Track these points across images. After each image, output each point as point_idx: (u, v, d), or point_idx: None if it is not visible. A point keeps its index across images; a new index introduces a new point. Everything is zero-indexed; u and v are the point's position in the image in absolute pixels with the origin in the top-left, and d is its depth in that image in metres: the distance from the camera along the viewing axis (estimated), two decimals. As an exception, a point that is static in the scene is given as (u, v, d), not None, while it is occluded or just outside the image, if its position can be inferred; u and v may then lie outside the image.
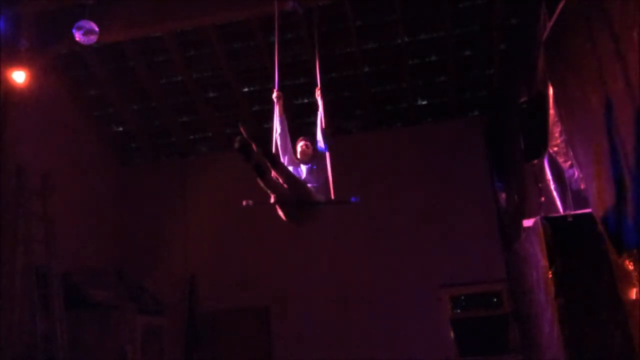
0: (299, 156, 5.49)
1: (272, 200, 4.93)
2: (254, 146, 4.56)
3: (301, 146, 5.49)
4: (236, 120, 10.80)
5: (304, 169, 5.41)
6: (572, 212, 5.42)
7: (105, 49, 9.19)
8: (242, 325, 10.19)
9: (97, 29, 7.30)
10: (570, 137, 5.46)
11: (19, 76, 7.72)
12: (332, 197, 5.26)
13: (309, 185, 5.15)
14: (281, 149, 5.41)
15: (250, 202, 5.20)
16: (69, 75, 10.02)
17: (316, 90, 5.75)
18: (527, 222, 6.07)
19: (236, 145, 4.54)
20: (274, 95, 5.63)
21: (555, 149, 6.08)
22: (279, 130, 5.45)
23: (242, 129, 4.56)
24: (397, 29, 9.26)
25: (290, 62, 9.54)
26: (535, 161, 6.76)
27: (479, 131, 9.97)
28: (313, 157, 5.46)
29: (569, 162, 5.73)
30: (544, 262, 5.37)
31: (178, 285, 10.32)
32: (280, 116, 5.50)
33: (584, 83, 4.82)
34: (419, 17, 9.16)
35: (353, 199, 5.02)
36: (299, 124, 8.89)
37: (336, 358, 9.27)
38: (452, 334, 9.40)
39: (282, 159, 5.30)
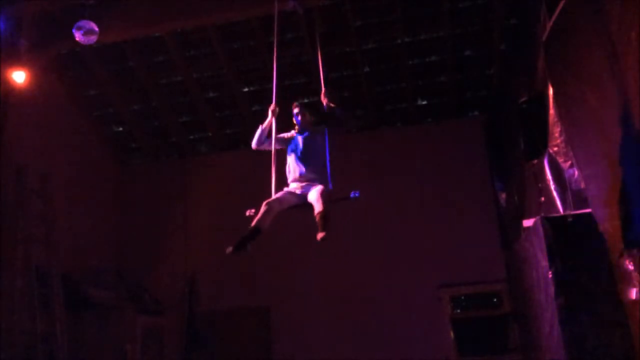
0: (298, 123, 5.35)
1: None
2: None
3: (296, 113, 5.36)
4: (236, 120, 10.90)
5: (300, 141, 5.28)
6: (572, 212, 5.42)
7: (105, 49, 9.19)
8: (242, 325, 10.19)
9: (97, 29, 7.30)
10: (570, 137, 5.46)
11: (19, 76, 7.72)
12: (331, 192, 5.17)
13: (305, 182, 5.10)
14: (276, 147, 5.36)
15: (253, 210, 5.14)
16: (69, 75, 10.02)
17: (321, 95, 5.50)
18: (527, 222, 6.07)
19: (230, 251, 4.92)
20: (271, 108, 5.42)
21: (555, 149, 6.08)
22: (273, 146, 5.31)
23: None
24: (397, 29, 9.25)
25: (290, 62, 9.55)
26: (535, 161, 6.76)
27: (479, 131, 9.96)
28: (310, 124, 5.34)
29: (569, 162, 5.72)
30: (544, 262, 5.38)
31: (178, 285, 10.32)
32: (275, 132, 5.33)
33: (583, 83, 4.82)
34: (419, 17, 9.16)
35: (352, 194, 4.90)
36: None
37: (336, 358, 9.26)
38: (452, 334, 9.40)
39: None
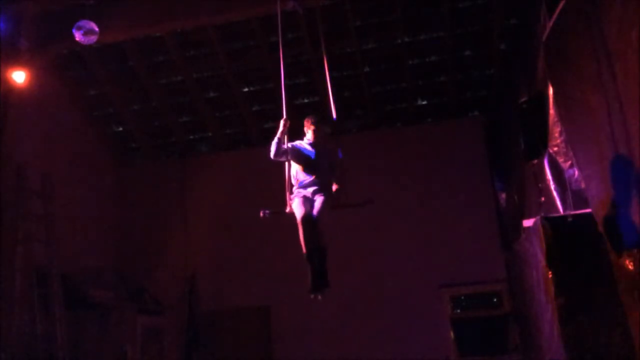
0: (310, 138, 5.45)
1: (287, 210, 5.22)
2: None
3: (312, 132, 5.45)
4: (236, 120, 10.90)
5: (312, 152, 5.40)
6: (572, 212, 5.42)
7: (105, 49, 9.19)
8: (242, 325, 10.19)
9: (97, 29, 7.31)
10: (570, 137, 5.46)
11: (19, 76, 7.72)
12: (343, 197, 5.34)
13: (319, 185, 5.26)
14: (291, 159, 5.40)
15: (267, 212, 5.16)
16: (69, 75, 10.02)
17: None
18: (527, 222, 6.07)
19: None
20: (282, 121, 5.39)
21: (555, 149, 6.08)
22: (282, 151, 5.35)
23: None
24: (397, 29, 9.26)
25: (290, 62, 9.54)
26: (535, 161, 6.76)
27: (479, 131, 9.96)
28: (323, 139, 5.47)
29: (569, 162, 5.72)
30: (544, 262, 5.37)
31: (178, 285, 10.32)
32: (283, 140, 5.36)
33: (583, 83, 4.82)
34: (419, 17, 9.16)
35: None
36: (299, 125, 8.88)
37: (336, 358, 9.27)
38: (452, 334, 9.41)
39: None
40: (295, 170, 5.40)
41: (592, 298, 4.91)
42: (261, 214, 5.22)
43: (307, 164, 5.37)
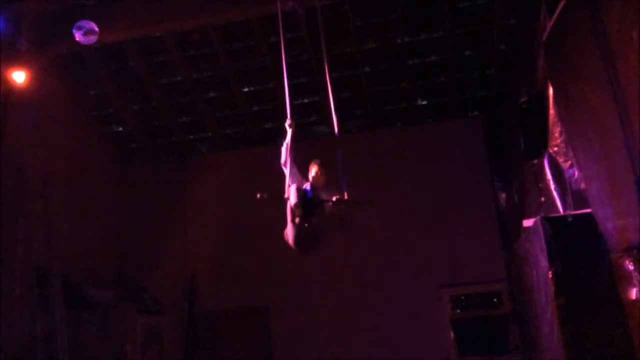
0: (311, 179, 5.23)
1: (285, 195, 5.05)
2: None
3: (315, 171, 5.22)
4: (236, 120, 10.91)
5: (309, 193, 5.17)
6: (572, 212, 5.42)
7: (105, 49, 9.18)
8: (242, 325, 10.19)
9: (97, 29, 7.31)
10: (570, 137, 5.47)
11: (19, 76, 7.73)
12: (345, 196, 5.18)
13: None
14: (290, 175, 5.27)
15: (265, 194, 5.08)
16: (69, 75, 10.01)
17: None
18: (527, 222, 6.08)
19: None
20: (287, 123, 5.28)
21: (555, 149, 6.09)
22: (287, 158, 5.19)
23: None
24: (397, 29, 9.25)
25: (290, 62, 9.53)
26: (535, 161, 6.77)
27: (479, 131, 9.96)
28: (324, 183, 5.24)
29: (569, 162, 5.73)
30: (544, 262, 5.38)
31: (178, 285, 10.32)
32: (290, 145, 5.20)
33: (583, 83, 4.82)
34: (419, 17, 9.15)
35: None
36: (299, 124, 8.88)
37: (336, 358, 9.27)
38: (452, 334, 9.40)
39: (290, 183, 5.20)
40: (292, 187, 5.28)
41: (592, 298, 4.91)
42: (258, 196, 5.14)
43: (301, 183, 5.27)
